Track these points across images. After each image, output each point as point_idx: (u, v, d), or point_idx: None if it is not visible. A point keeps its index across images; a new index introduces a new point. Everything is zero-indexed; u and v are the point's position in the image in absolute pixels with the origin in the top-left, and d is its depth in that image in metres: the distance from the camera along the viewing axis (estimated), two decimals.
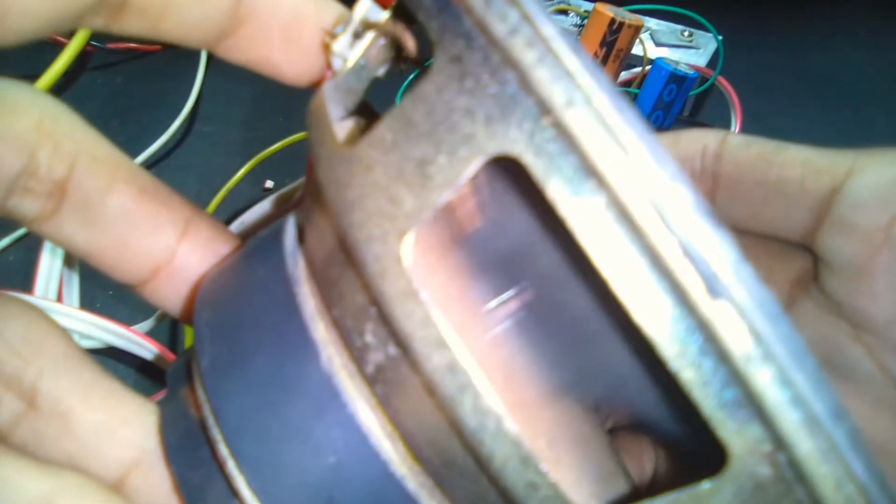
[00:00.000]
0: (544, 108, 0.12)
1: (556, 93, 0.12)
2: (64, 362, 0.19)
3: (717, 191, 0.24)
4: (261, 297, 0.18)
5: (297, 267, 0.17)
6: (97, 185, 0.19)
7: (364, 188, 0.14)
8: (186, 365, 0.19)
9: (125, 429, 0.19)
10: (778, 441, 0.12)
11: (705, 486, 0.12)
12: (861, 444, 0.12)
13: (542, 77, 0.12)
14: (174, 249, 0.20)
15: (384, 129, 0.14)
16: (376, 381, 0.16)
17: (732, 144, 0.24)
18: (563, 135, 0.12)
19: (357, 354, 0.16)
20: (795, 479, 0.12)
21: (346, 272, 0.16)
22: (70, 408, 0.18)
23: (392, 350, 0.15)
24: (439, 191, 0.13)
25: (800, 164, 0.23)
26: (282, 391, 0.16)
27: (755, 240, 0.25)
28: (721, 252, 0.11)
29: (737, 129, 0.57)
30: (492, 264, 0.17)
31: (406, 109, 0.14)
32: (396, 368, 0.15)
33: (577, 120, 0.12)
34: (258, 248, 0.19)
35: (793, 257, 0.25)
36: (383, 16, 0.18)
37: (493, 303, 0.17)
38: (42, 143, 0.18)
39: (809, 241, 0.23)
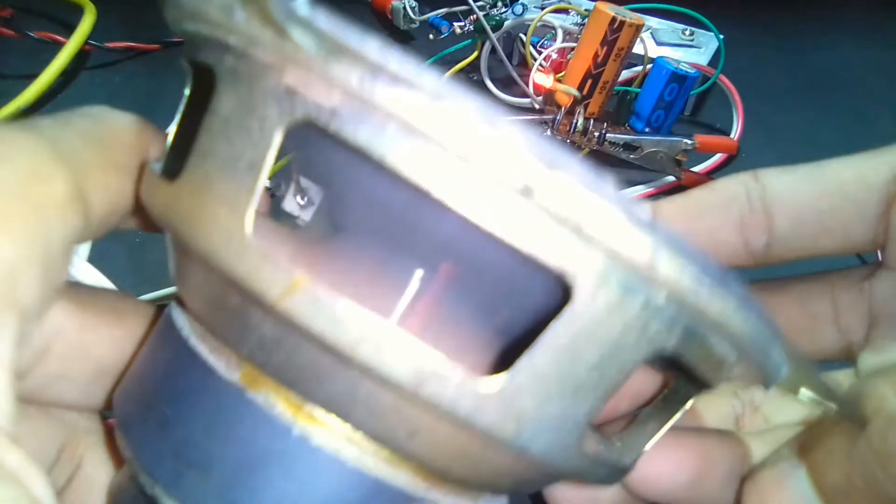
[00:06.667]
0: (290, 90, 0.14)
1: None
2: None
3: (774, 226, 0.24)
4: (162, 361, 0.18)
5: (185, 324, 0.18)
6: None
7: (194, 196, 0.16)
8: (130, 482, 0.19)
9: None
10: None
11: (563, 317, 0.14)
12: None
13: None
14: None
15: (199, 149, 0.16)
16: (267, 362, 0.16)
17: (770, 175, 0.24)
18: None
19: (247, 353, 0.16)
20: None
21: (207, 279, 0.16)
22: None
23: (264, 322, 0.15)
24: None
25: (851, 166, 0.23)
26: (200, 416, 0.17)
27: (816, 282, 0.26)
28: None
29: (738, 128, 0.57)
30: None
31: (208, 127, 0.16)
32: (273, 336, 0.16)
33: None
34: (154, 331, 0.20)
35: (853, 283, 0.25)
36: None
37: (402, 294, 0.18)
38: None
39: (880, 240, 0.23)
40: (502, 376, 0.14)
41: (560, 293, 0.15)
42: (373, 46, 0.13)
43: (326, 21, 0.13)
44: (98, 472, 0.21)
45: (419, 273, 0.17)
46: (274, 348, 0.16)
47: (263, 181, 0.14)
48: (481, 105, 0.13)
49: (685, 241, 0.14)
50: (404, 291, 0.17)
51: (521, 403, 0.15)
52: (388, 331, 0.14)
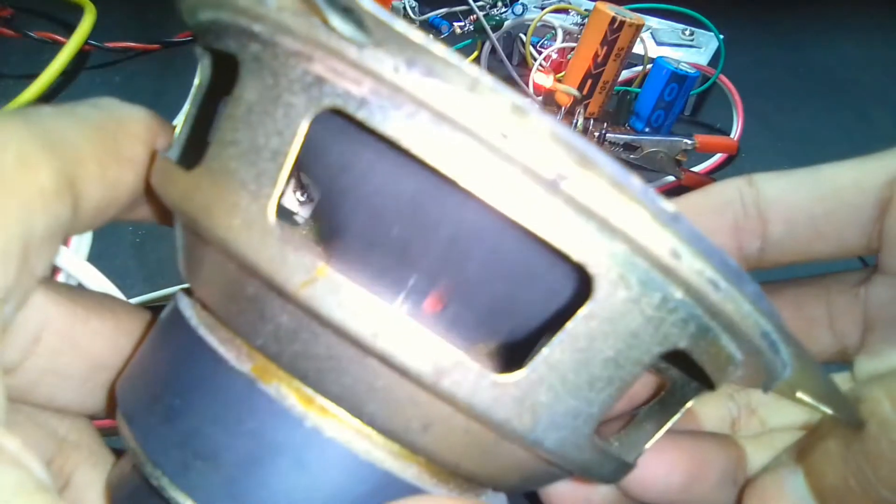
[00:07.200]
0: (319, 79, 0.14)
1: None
2: None
3: (768, 230, 0.24)
4: (170, 351, 0.18)
5: (194, 314, 0.18)
6: None
7: (215, 183, 0.16)
8: (133, 472, 0.19)
9: None
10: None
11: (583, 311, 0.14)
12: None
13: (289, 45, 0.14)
14: None
15: (220, 137, 0.16)
16: (281, 353, 0.16)
17: (764, 179, 0.24)
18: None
19: (261, 344, 0.16)
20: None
21: (223, 268, 0.16)
22: None
23: (282, 311, 0.15)
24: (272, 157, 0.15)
25: (845, 171, 0.23)
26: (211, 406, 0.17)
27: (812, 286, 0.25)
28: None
29: (738, 128, 0.57)
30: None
31: (230, 115, 0.16)
32: (290, 326, 0.15)
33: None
34: (159, 322, 0.20)
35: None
36: None
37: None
38: None
39: (874, 245, 0.23)
40: (521, 370, 0.14)
41: (574, 290, 0.15)
42: (414, 35, 0.13)
43: (367, 8, 0.13)
44: (88, 490, 0.21)
45: (427, 268, 0.17)
46: (289, 339, 0.16)
47: (288, 169, 0.14)
48: (514, 97, 0.13)
49: (706, 238, 0.14)
50: (414, 289, 0.17)
51: (537, 396, 0.15)
52: (408, 322, 0.14)
